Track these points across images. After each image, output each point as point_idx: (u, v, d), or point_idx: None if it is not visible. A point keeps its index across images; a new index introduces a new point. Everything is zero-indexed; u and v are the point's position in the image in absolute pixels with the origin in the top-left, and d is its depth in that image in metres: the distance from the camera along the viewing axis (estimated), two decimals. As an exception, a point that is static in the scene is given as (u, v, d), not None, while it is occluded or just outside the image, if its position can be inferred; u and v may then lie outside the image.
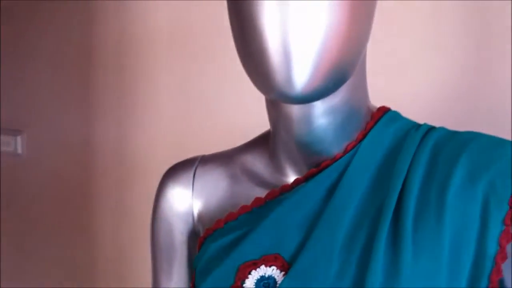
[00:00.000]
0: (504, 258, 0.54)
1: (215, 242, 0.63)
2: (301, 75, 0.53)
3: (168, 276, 0.72)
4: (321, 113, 0.60)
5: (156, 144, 1.46)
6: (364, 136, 0.63)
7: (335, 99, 0.60)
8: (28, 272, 1.91)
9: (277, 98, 0.55)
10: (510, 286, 0.56)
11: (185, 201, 0.71)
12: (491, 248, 0.54)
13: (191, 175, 0.71)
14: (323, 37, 0.53)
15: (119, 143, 1.53)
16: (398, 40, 1.11)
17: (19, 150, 1.92)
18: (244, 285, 0.58)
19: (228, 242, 0.62)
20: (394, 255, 0.54)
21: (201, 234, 0.68)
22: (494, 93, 1.02)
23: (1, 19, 1.93)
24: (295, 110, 0.60)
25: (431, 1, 1.07)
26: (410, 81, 1.11)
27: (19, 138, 1.91)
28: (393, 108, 0.67)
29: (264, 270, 0.58)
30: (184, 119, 1.37)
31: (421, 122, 0.66)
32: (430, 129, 0.63)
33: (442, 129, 0.63)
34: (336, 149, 0.62)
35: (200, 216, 0.70)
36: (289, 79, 0.53)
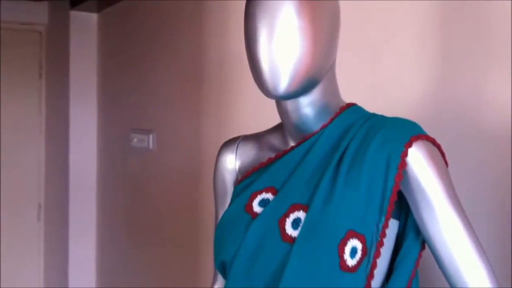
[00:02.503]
0: (397, 188, 0.91)
1: (241, 184, 1.06)
2: (283, 83, 0.93)
3: (222, 207, 1.16)
4: (304, 106, 1.00)
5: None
6: (332, 120, 1.02)
7: (313, 96, 0.99)
8: (157, 243, 2.45)
9: (270, 97, 0.97)
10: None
11: (232, 162, 1.15)
12: (390, 183, 0.91)
13: (235, 146, 1.15)
14: (296, 59, 0.93)
15: (218, 138, 2.00)
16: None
17: (151, 146, 2.48)
18: (252, 203, 1.00)
19: (248, 182, 1.05)
20: (332, 187, 0.93)
21: (238, 180, 1.12)
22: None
23: (132, 49, 2.51)
24: (288, 105, 1.01)
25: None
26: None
27: (150, 136, 2.47)
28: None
29: (264, 195, 1.00)
30: (261, 119, 1.81)
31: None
32: (372, 116, 1.01)
33: (378, 116, 1.00)
34: (315, 128, 1.02)
35: (239, 170, 1.13)
36: (276, 86, 0.94)
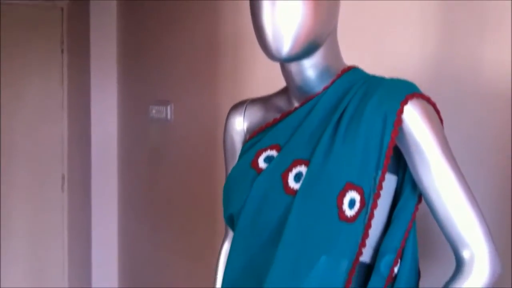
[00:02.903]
0: (393, 143, 0.96)
1: (248, 143, 1.12)
2: (285, 46, 0.99)
3: (231, 166, 1.22)
4: (307, 68, 1.05)
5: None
6: (334, 82, 1.07)
7: (315, 59, 1.04)
8: (177, 211, 2.54)
9: (274, 60, 1.02)
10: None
11: (240, 123, 1.21)
12: (387, 139, 0.97)
13: (244, 108, 1.21)
14: (298, 24, 0.98)
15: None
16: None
17: (169, 117, 2.55)
18: (258, 160, 1.07)
19: (255, 141, 1.11)
20: (332, 143, 0.99)
21: (246, 140, 1.18)
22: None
23: (151, 24, 2.57)
24: (292, 67, 1.06)
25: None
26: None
27: (168, 108, 2.54)
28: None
29: (269, 152, 1.06)
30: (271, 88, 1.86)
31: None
32: (371, 77, 1.06)
33: (376, 77, 1.05)
34: (317, 89, 1.07)
35: (247, 131, 1.20)
36: (279, 49, 0.99)
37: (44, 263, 3.51)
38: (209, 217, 2.26)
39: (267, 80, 1.88)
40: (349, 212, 0.97)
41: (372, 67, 1.12)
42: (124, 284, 3.04)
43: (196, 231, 2.36)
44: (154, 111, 2.61)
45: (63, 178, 3.52)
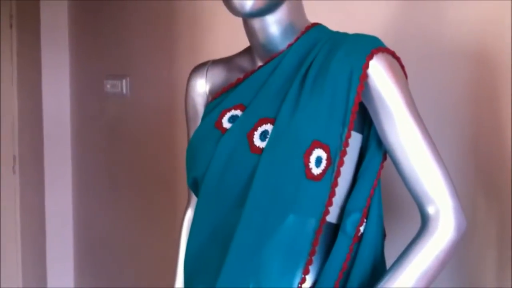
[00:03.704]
0: (359, 99, 0.95)
1: (212, 103, 1.09)
2: (249, 1, 0.96)
3: (194, 129, 1.18)
4: (271, 24, 1.02)
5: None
6: (298, 38, 1.05)
7: (278, 14, 1.02)
8: (135, 187, 2.49)
9: (238, 15, 0.99)
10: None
11: (202, 86, 1.17)
12: (353, 94, 0.96)
13: (205, 70, 1.18)
14: None
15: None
16: None
17: (124, 91, 2.48)
18: (222, 120, 1.04)
19: (218, 102, 1.08)
20: (297, 100, 0.97)
21: (209, 102, 1.15)
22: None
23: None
24: (255, 23, 1.03)
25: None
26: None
27: (124, 81, 2.47)
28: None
29: (233, 112, 1.03)
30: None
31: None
32: (335, 33, 1.04)
33: (341, 33, 1.04)
34: (281, 47, 1.04)
35: (210, 93, 1.16)
36: (242, 4, 0.96)
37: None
38: (169, 190, 2.22)
39: (228, 48, 1.84)
40: (316, 170, 0.96)
41: (335, 29, 1.10)
42: (81, 264, 2.98)
43: (156, 205, 2.32)
44: (109, 86, 2.54)
45: (14, 159, 3.40)
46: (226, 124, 1.03)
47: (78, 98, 2.90)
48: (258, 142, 0.97)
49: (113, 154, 2.61)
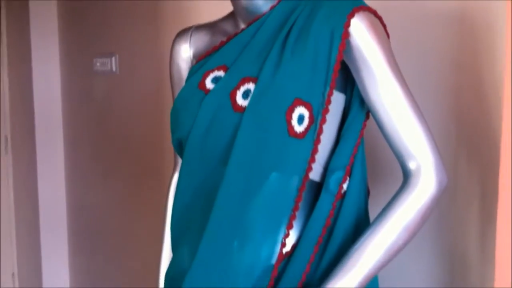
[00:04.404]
0: (341, 57, 0.96)
1: (195, 65, 1.10)
2: None
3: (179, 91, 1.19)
4: None
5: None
6: (280, 0, 1.06)
7: None
8: (125, 164, 2.50)
9: None
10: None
11: (186, 50, 1.18)
12: (334, 52, 0.96)
13: (189, 35, 1.18)
14: None
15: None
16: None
17: (114, 69, 2.48)
18: (205, 81, 1.05)
19: (202, 64, 1.09)
20: (280, 58, 0.98)
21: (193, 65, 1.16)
22: None
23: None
24: None
25: None
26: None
27: (113, 59, 2.47)
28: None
29: (216, 73, 1.04)
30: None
31: None
32: None
33: None
34: (264, 9, 1.05)
35: (194, 57, 1.17)
36: None
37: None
38: (158, 164, 2.23)
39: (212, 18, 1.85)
40: (298, 128, 0.97)
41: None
42: (75, 241, 3.00)
43: (145, 178, 2.33)
44: (98, 64, 2.54)
45: (6, 139, 3.40)
46: (209, 84, 1.04)
47: (68, 77, 2.90)
48: (240, 101, 0.98)
49: (104, 130, 2.62)
